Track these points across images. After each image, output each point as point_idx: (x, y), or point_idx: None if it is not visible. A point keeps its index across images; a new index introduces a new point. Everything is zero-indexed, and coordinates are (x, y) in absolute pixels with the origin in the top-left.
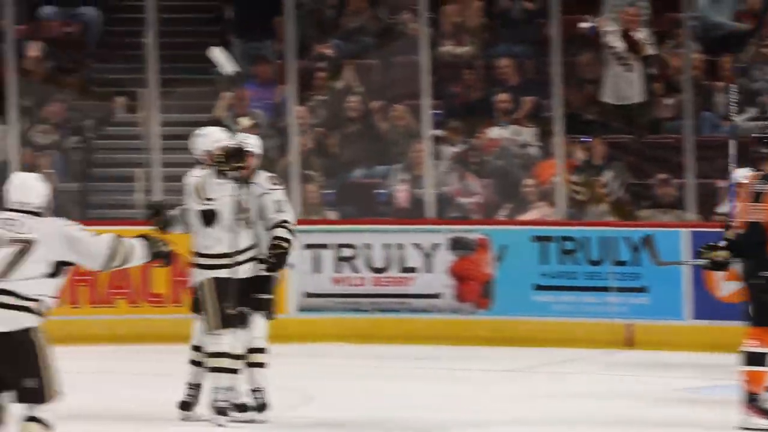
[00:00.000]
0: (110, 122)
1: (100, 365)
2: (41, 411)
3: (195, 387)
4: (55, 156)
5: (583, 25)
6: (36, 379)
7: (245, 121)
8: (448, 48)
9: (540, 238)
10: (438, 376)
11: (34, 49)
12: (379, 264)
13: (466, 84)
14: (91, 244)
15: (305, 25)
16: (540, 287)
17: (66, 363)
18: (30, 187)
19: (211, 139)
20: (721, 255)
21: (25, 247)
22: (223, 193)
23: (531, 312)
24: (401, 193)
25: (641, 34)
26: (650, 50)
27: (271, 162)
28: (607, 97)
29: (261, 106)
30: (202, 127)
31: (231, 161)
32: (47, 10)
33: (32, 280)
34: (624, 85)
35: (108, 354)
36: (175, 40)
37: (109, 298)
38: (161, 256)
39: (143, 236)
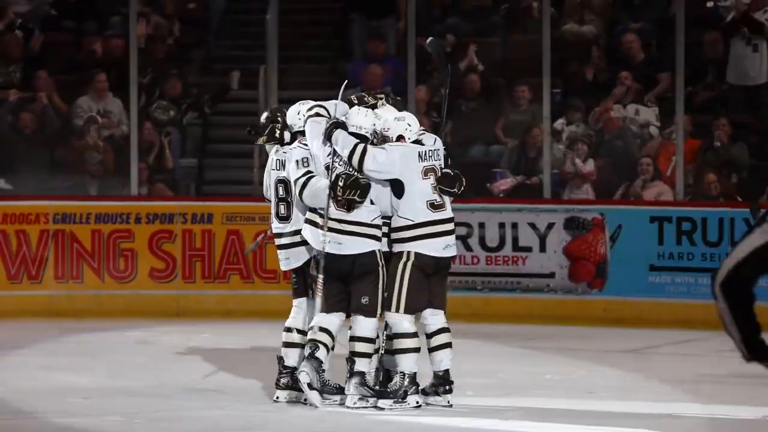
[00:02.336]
0: (227, 98)
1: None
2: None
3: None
4: (173, 132)
5: (708, 4)
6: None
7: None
8: (570, 26)
9: (657, 219)
10: (549, 356)
11: (155, 26)
12: (492, 243)
13: (588, 63)
14: None
15: (426, 3)
16: (655, 268)
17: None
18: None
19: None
20: None
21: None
22: None
23: (646, 293)
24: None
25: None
26: None
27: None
28: (731, 77)
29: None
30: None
31: None
32: None
33: None
34: (748, 66)
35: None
36: (296, 17)
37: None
38: None
39: None
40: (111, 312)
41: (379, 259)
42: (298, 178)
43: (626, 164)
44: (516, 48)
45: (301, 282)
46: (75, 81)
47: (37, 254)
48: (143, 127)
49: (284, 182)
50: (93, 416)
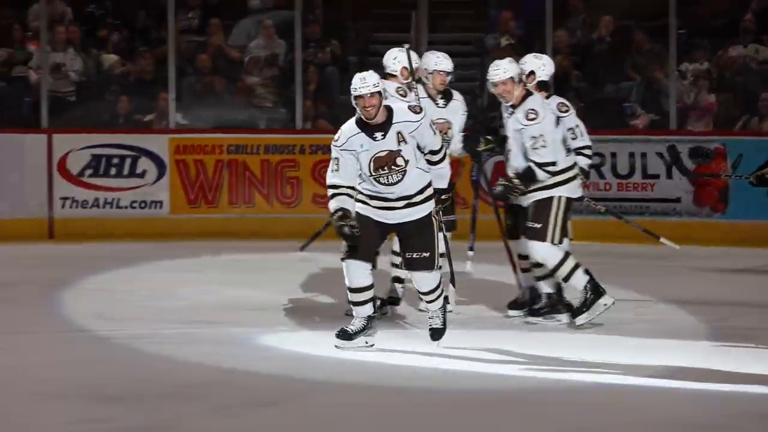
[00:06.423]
0: (382, 41)
1: None
2: None
3: None
4: (334, 71)
5: None
6: None
7: (504, 41)
8: None
9: None
10: (676, 272)
11: None
12: (624, 171)
13: (712, 5)
14: None
15: None
16: None
17: None
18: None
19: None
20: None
21: None
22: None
23: (764, 215)
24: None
25: None
26: None
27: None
28: None
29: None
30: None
31: None
32: None
33: None
34: None
35: None
36: None
37: None
38: None
39: None
40: (278, 233)
41: None
42: None
43: (746, 99)
44: None
45: None
46: (245, 26)
47: (213, 181)
48: (308, 68)
49: None
50: (264, 326)
